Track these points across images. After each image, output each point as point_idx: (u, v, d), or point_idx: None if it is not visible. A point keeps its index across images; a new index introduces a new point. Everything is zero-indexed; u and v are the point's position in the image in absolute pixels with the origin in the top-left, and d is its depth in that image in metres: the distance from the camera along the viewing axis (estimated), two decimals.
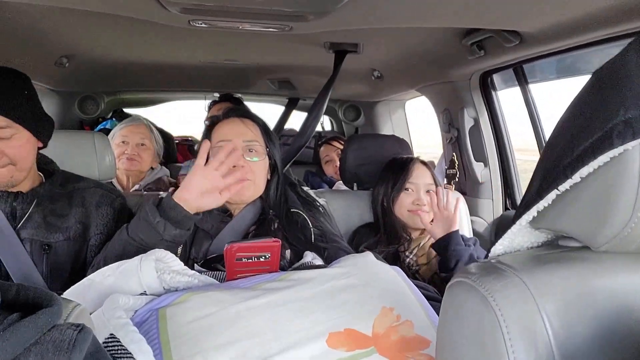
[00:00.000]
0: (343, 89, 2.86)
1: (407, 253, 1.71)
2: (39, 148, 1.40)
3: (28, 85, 1.38)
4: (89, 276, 0.98)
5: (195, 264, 1.25)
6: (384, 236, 1.74)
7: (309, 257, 1.28)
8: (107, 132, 2.43)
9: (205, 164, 1.19)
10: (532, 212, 0.68)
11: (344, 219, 1.79)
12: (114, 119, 2.72)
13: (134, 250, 1.15)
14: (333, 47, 1.89)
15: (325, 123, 3.70)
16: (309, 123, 2.01)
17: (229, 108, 1.46)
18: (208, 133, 1.41)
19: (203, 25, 1.36)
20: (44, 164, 1.46)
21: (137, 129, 2.27)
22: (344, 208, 1.84)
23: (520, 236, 0.74)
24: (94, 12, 1.37)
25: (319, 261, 1.29)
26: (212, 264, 1.25)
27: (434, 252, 1.70)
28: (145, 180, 2.22)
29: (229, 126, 1.38)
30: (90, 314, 0.79)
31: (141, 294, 0.96)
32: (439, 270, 1.61)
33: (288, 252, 1.35)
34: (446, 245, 1.58)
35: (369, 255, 1.04)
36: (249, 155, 1.36)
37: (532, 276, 0.60)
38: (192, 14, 1.28)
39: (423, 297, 1.02)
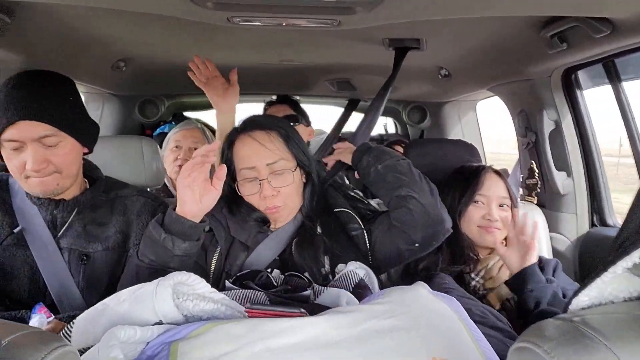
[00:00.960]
0: (407, 89, 2.68)
1: (472, 275, 1.52)
2: (84, 154, 1.37)
3: (72, 90, 1.34)
4: (104, 300, 0.89)
5: (226, 281, 1.14)
6: (447, 254, 1.55)
7: (351, 267, 1.20)
8: (165, 136, 2.42)
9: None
10: (634, 257, 0.50)
11: None
12: (173, 122, 2.71)
13: (146, 273, 1.10)
14: (392, 43, 1.73)
15: (388, 125, 3.52)
16: (365, 125, 1.87)
17: (246, 122, 1.37)
18: (229, 149, 1.33)
19: (243, 22, 1.25)
20: (88, 170, 1.43)
21: (190, 133, 2.23)
22: None
23: (615, 283, 0.55)
24: (146, 15, 1.32)
25: (362, 271, 1.20)
26: (244, 280, 1.14)
27: (504, 275, 1.48)
28: None
29: (249, 148, 1.29)
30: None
31: (156, 323, 0.85)
32: (517, 314, 1.39)
33: (327, 260, 1.27)
34: (523, 282, 1.37)
35: (420, 289, 0.87)
36: (278, 182, 1.27)
37: (630, 349, 0.42)
38: (230, 10, 1.17)
39: (486, 342, 0.83)
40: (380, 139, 3.15)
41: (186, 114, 3.07)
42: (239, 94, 1.82)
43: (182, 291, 0.93)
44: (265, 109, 2.33)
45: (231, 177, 1.32)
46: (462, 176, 1.63)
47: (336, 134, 2.90)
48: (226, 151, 1.34)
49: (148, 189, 1.74)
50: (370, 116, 1.83)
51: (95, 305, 0.89)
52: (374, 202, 1.59)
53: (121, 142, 1.74)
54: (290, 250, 1.30)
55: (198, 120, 2.76)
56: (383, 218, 1.35)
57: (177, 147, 2.22)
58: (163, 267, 1.12)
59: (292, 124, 2.08)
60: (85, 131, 1.33)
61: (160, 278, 0.89)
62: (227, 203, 1.35)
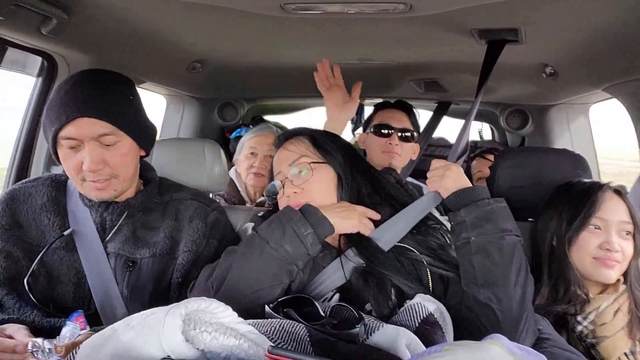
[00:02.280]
0: (505, 90, 2.36)
1: (579, 318, 1.23)
2: (141, 157, 1.33)
3: (133, 91, 1.30)
4: (113, 324, 0.77)
5: (266, 306, 0.99)
6: (547, 289, 1.28)
7: (418, 298, 1.02)
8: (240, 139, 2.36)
9: None
10: None
11: None
12: (250, 126, 2.65)
13: (275, 265, 1.05)
14: (484, 35, 1.48)
15: (484, 131, 3.18)
16: (461, 132, 1.62)
17: (278, 136, 1.35)
18: None
19: (298, 10, 1.11)
20: (144, 171, 1.37)
21: (266, 139, 2.13)
22: None
23: None
24: (219, 15, 1.32)
25: (432, 305, 1.00)
26: (286, 308, 0.98)
27: (621, 321, 1.18)
28: None
29: (276, 157, 1.30)
30: None
31: (164, 359, 0.72)
32: None
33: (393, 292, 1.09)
34: None
35: (492, 350, 0.64)
36: (299, 180, 1.19)
37: None
38: None
39: None
40: (474, 146, 2.84)
41: (267, 117, 3.00)
42: (356, 110, 1.78)
43: (204, 319, 0.79)
44: (374, 112, 2.09)
45: None
46: (570, 195, 1.34)
47: (425, 142, 2.65)
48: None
49: (211, 195, 1.67)
50: (465, 121, 1.58)
51: (104, 330, 0.77)
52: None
53: (184, 145, 1.68)
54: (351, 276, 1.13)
55: (276, 124, 2.68)
56: (457, 288, 1.12)
57: (252, 153, 2.13)
58: (293, 262, 1.07)
59: (406, 142, 1.90)
60: (143, 133, 1.28)
61: (173, 305, 0.75)
62: None
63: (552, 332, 1.10)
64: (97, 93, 1.18)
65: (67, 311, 1.17)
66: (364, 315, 0.95)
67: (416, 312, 1.00)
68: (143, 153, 1.31)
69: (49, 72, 1.62)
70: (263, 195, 2.01)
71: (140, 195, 1.30)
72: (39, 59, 1.53)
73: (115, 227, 1.26)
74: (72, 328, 1.02)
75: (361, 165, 1.28)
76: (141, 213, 1.30)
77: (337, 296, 1.12)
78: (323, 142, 1.26)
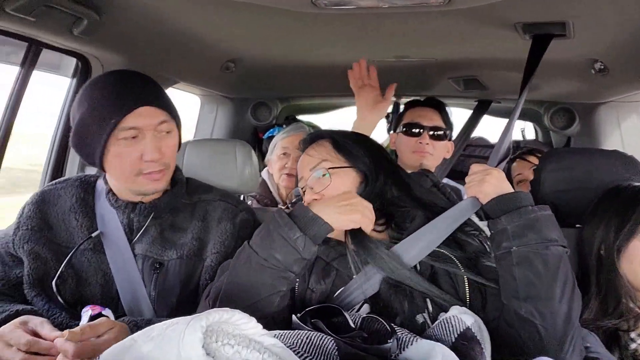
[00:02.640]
0: (550, 87, 2.25)
1: (633, 334, 1.14)
2: None
3: None
4: (133, 335, 0.75)
5: (293, 316, 0.95)
6: (596, 303, 1.19)
7: (455, 311, 0.94)
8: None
9: None
10: None
11: None
12: (283, 125, 2.62)
13: (268, 275, 0.98)
14: (529, 29, 1.41)
15: (527, 130, 3.04)
16: (503, 133, 1.54)
17: (301, 141, 1.33)
18: None
19: (330, 5, 1.06)
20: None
21: (298, 139, 2.09)
22: None
23: None
24: (252, 14, 1.31)
25: (469, 318, 0.92)
26: (314, 319, 0.93)
27: None
28: None
29: (300, 162, 1.26)
30: None
31: None
32: None
33: (429, 302, 1.03)
34: None
35: None
36: (318, 186, 1.15)
37: None
38: None
39: None
40: (517, 146, 2.71)
41: (300, 117, 2.97)
42: (386, 111, 1.74)
43: (226, 331, 0.76)
44: (404, 111, 2.03)
45: None
46: (619, 199, 1.24)
47: (464, 141, 2.55)
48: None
49: (242, 197, 1.65)
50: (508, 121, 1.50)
51: (124, 340, 0.75)
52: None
53: (214, 145, 1.67)
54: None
55: (309, 124, 2.64)
56: (496, 301, 1.03)
57: (284, 154, 2.10)
58: (287, 269, 1.00)
59: (437, 141, 1.84)
60: (180, 130, 1.29)
61: (194, 316, 0.72)
62: None
63: (602, 350, 1.01)
64: (147, 83, 1.21)
65: None
66: (396, 329, 0.89)
67: (452, 325, 0.93)
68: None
69: (83, 73, 1.64)
70: None
71: (167, 195, 1.28)
72: (73, 60, 1.55)
73: (143, 228, 1.25)
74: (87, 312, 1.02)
75: (390, 167, 1.21)
76: (168, 214, 1.29)
77: (366, 306, 1.06)
78: (345, 144, 1.20)
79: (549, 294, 0.94)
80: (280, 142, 2.17)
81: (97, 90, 1.18)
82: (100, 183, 1.31)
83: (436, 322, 0.96)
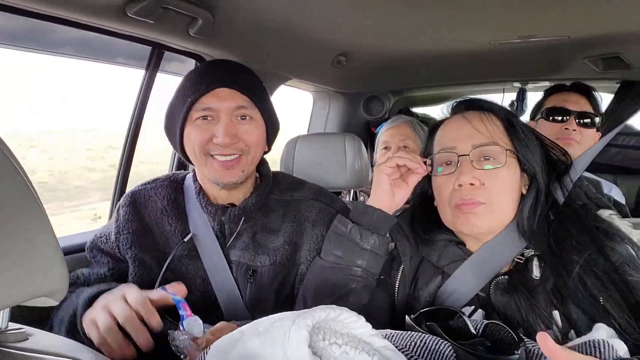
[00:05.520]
0: None
1: None
2: (263, 153, 1.24)
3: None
4: (242, 327, 0.74)
5: (407, 316, 0.88)
6: None
7: (602, 334, 0.74)
8: None
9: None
10: None
11: None
12: None
13: (332, 274, 1.01)
14: None
15: None
16: None
17: (458, 102, 1.08)
18: (430, 138, 1.08)
19: None
20: (260, 165, 1.26)
21: (397, 131, 2.00)
22: None
23: None
24: (362, 5, 1.29)
25: (622, 346, 0.73)
26: (429, 322, 0.85)
27: None
28: None
29: (452, 127, 1.03)
30: None
31: None
32: None
33: (557, 315, 0.89)
34: None
35: None
36: (480, 164, 0.95)
37: None
38: None
39: None
40: None
41: (414, 109, 2.86)
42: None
43: (334, 329, 0.72)
44: (545, 96, 1.82)
45: (427, 177, 1.06)
46: None
47: (608, 131, 2.23)
48: (426, 142, 1.09)
49: (352, 191, 1.61)
50: None
51: (233, 332, 0.74)
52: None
53: (324, 140, 1.63)
54: (491, 289, 0.96)
55: (424, 116, 2.53)
56: None
57: (386, 147, 2.02)
58: (350, 264, 1.01)
59: (586, 128, 1.67)
60: (272, 120, 1.21)
61: (300, 312, 0.68)
62: (412, 212, 1.10)
63: None
64: (235, 67, 1.17)
65: None
66: (525, 339, 0.78)
67: (600, 352, 0.72)
68: (266, 148, 1.24)
69: None
70: None
71: (256, 194, 1.21)
72: (192, 61, 1.61)
73: (235, 233, 1.18)
74: (193, 320, 0.96)
75: (562, 176, 1.00)
76: (259, 214, 1.21)
77: (480, 312, 0.96)
78: (521, 131, 0.99)
79: None
80: (382, 137, 2.10)
81: (187, 76, 1.17)
82: (189, 180, 1.26)
83: (573, 343, 0.80)
